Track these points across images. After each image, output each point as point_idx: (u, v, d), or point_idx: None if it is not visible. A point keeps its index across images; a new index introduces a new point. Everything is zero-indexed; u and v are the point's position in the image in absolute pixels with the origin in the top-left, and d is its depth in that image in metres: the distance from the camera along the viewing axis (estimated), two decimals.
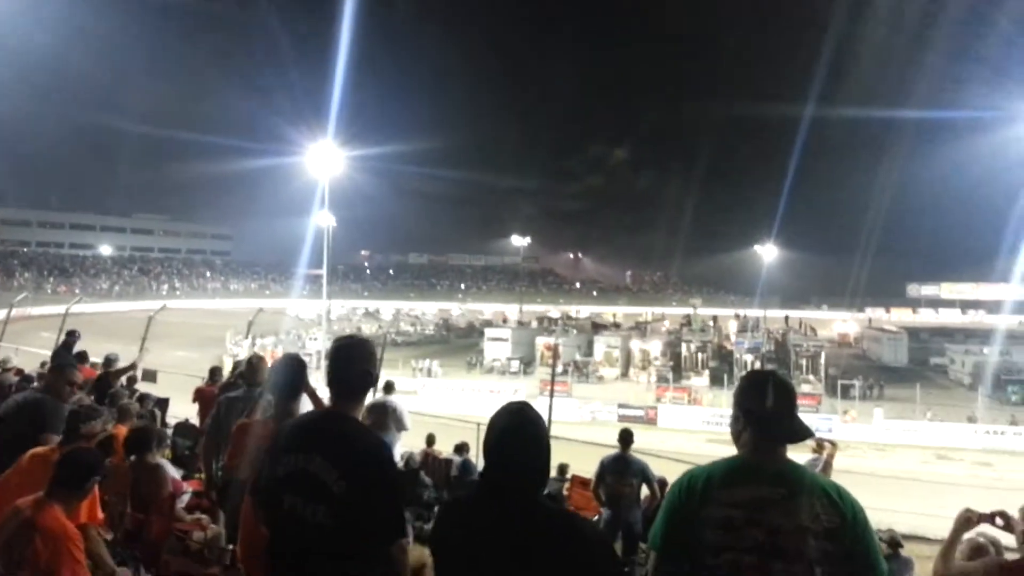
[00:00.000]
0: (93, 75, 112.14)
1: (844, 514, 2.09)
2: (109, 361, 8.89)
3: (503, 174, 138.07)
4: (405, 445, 9.82)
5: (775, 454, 2.21)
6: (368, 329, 59.27)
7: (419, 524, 6.57)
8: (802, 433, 2.22)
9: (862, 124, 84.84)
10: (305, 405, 3.46)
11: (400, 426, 9.12)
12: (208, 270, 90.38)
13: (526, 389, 34.27)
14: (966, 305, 71.07)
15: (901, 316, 70.75)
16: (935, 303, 74.73)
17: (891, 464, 23.95)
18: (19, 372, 11.02)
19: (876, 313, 70.13)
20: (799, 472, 2.20)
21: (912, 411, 29.28)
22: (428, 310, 73.73)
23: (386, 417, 9.06)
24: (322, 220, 44.07)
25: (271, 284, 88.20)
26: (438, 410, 23.95)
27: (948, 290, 75.98)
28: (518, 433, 2.13)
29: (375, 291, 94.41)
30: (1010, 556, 3.36)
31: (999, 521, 3.41)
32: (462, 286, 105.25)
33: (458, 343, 56.25)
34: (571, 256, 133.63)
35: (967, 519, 3.55)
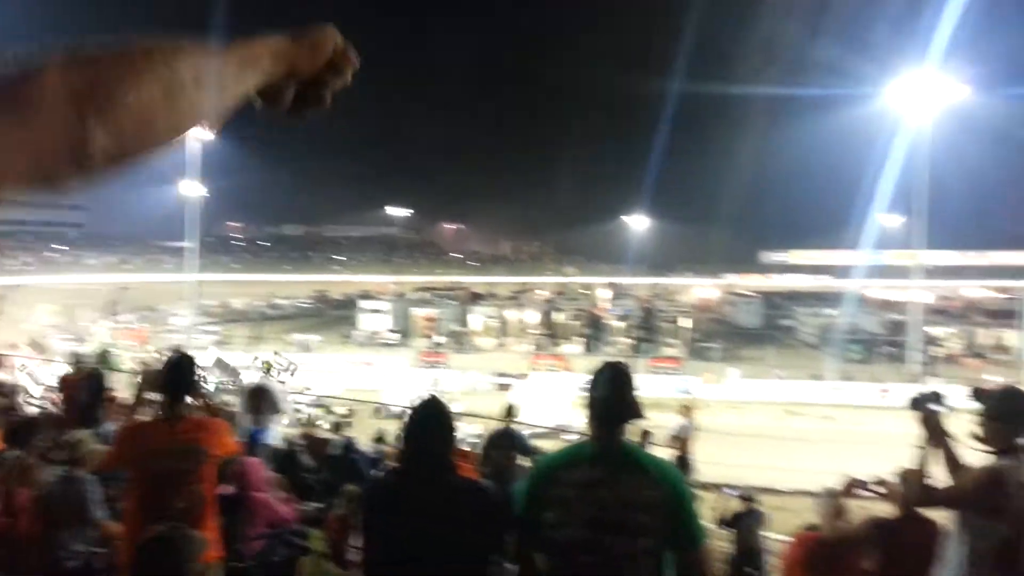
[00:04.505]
0: None
1: (665, 490, 2.31)
2: None
3: (380, 144, 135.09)
4: (283, 426, 9.71)
5: (609, 436, 2.41)
6: (238, 303, 57.02)
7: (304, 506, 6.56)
8: (629, 414, 2.43)
9: (722, 99, 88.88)
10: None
11: (276, 408, 8.97)
12: (61, 243, 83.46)
13: (404, 361, 34.21)
14: (815, 270, 76.36)
15: (756, 282, 74.99)
16: (786, 269, 79.94)
17: (746, 421, 25.68)
18: None
19: (733, 279, 73.88)
20: (627, 452, 2.42)
21: (765, 371, 31.56)
22: (304, 282, 71.73)
23: (261, 401, 8.88)
24: (189, 190, 41.87)
25: (131, 258, 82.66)
26: (315, 386, 23.61)
27: (798, 256, 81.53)
28: (434, 421, 2.54)
29: (246, 264, 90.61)
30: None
31: (879, 488, 3.85)
32: (339, 258, 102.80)
33: (334, 316, 55.19)
34: (451, 227, 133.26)
35: (850, 486, 4.01)
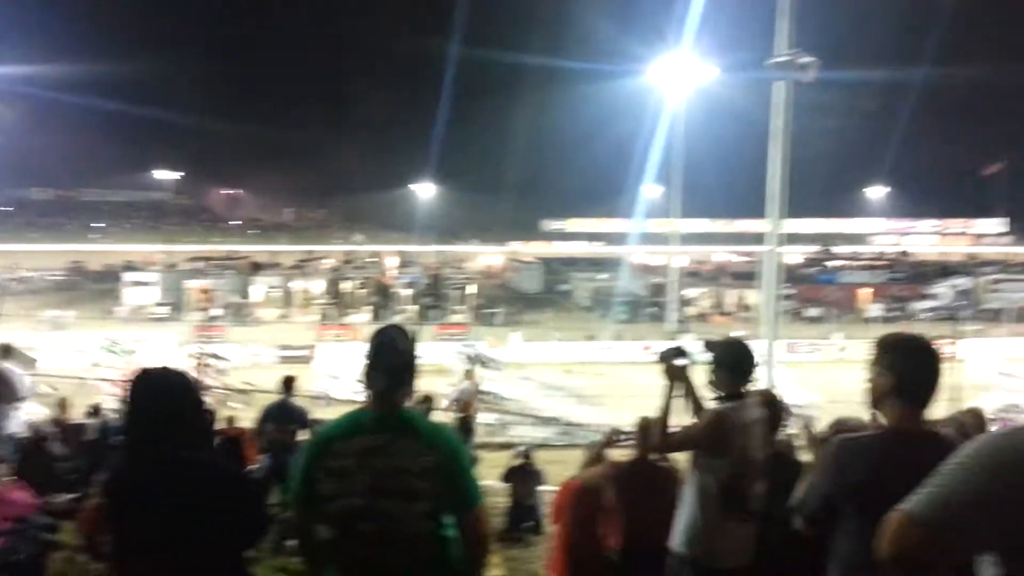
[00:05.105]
0: None
1: (440, 454, 2.35)
2: None
3: (148, 101, 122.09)
4: (31, 415, 8.71)
5: (385, 403, 2.41)
6: None
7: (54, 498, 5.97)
8: (405, 378, 2.43)
9: (505, 68, 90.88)
10: None
11: (14, 396, 7.98)
12: None
13: (177, 337, 31.86)
14: (590, 237, 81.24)
15: (537, 248, 78.31)
16: (565, 236, 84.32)
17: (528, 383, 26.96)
18: None
19: (516, 246, 76.49)
20: (404, 418, 2.42)
21: (545, 333, 33.32)
22: (55, 252, 63.89)
23: None
24: None
25: None
26: (71, 369, 21.51)
27: (575, 224, 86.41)
28: (161, 395, 2.34)
29: None
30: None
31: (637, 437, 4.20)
32: (97, 225, 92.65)
33: (93, 289, 50.06)
34: (226, 192, 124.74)
35: (611, 437, 4.34)
